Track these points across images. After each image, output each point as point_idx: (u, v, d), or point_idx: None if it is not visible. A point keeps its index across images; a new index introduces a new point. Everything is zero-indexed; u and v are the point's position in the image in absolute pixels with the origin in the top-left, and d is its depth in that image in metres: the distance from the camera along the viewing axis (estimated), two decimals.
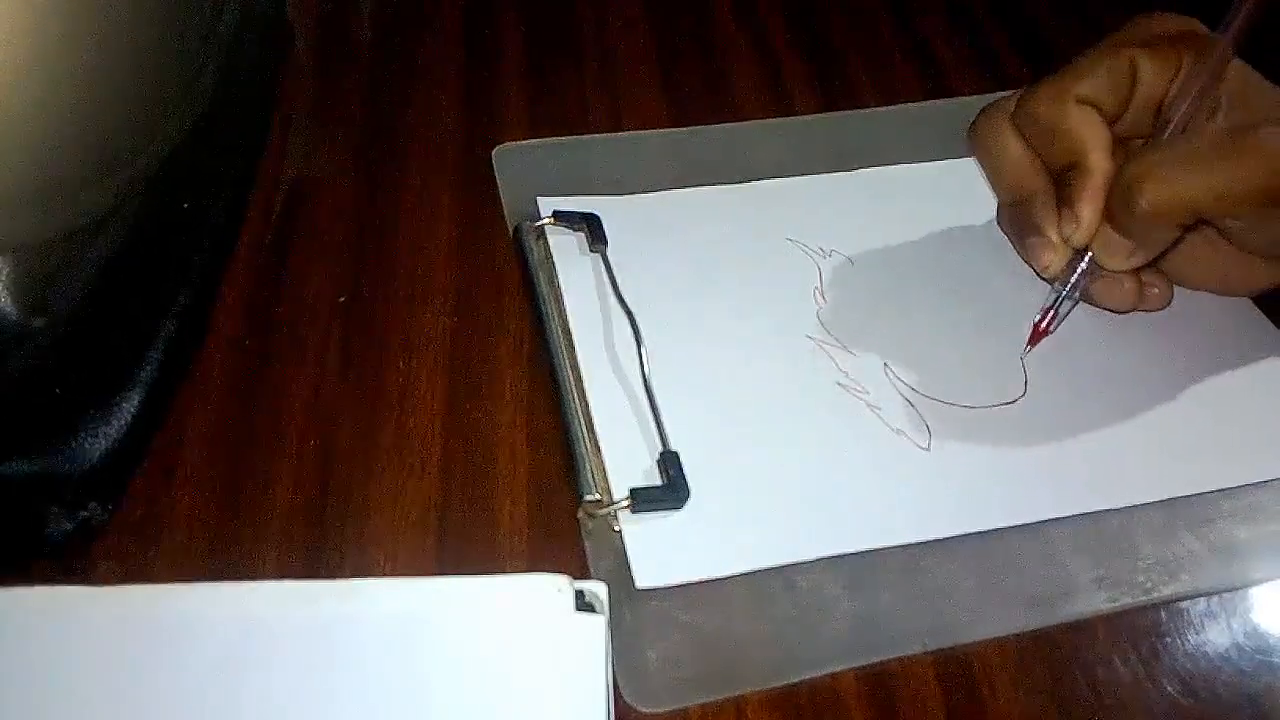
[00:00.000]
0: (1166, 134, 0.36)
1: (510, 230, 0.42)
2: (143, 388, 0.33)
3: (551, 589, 0.27)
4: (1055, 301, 0.37)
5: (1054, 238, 0.36)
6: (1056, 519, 0.33)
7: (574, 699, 0.26)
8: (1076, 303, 0.38)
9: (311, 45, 0.52)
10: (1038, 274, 0.38)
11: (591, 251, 0.40)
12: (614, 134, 0.47)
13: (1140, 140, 0.37)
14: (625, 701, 0.29)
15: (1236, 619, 0.32)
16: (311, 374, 0.36)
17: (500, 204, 0.43)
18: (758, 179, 0.44)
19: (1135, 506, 0.34)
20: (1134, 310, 0.39)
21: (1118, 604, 0.31)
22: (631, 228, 0.41)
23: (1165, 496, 0.34)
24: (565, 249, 0.41)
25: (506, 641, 0.27)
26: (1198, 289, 0.40)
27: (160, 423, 0.34)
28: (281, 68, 0.49)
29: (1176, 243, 0.36)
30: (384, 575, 0.31)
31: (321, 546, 0.32)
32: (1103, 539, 0.33)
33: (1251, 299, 0.40)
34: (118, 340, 0.34)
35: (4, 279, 0.31)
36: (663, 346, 0.37)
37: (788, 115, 0.48)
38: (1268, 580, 0.33)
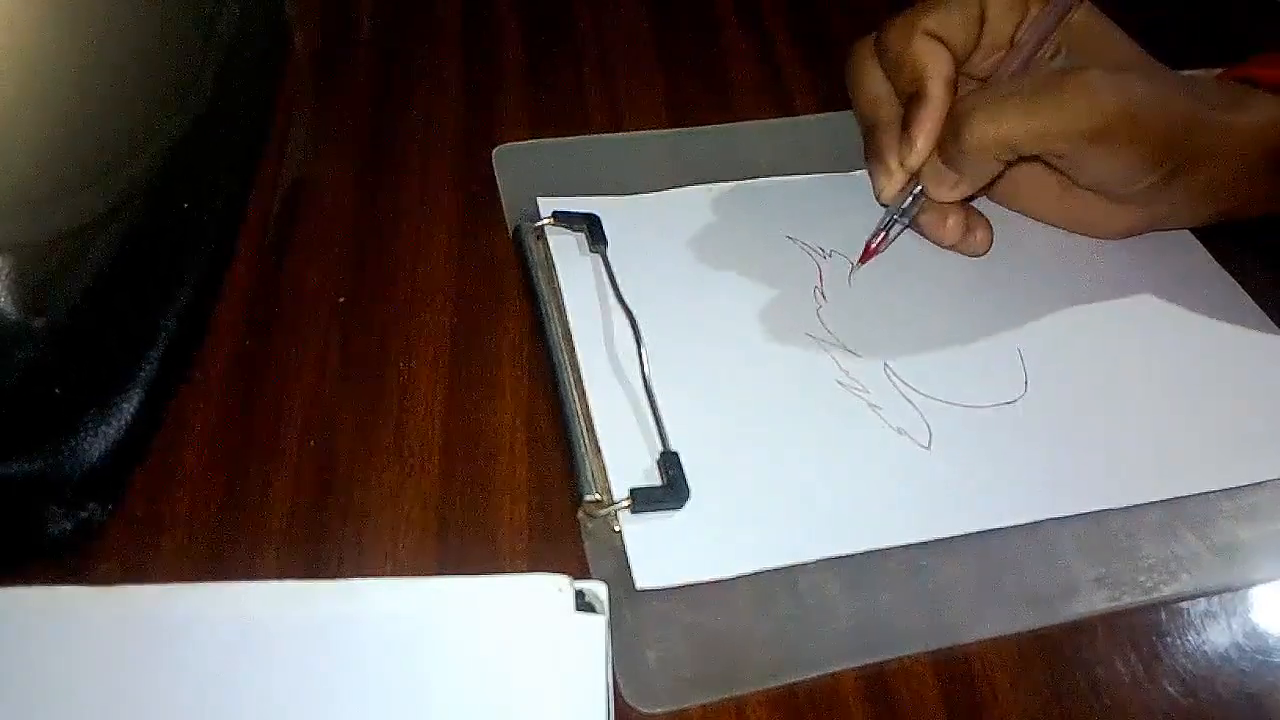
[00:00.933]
0: (1010, 73, 0.38)
1: (510, 230, 0.42)
2: (143, 388, 0.33)
3: (552, 589, 0.27)
4: (886, 223, 0.39)
5: (892, 164, 0.38)
6: (1056, 519, 0.33)
7: (574, 699, 0.26)
8: (905, 227, 0.40)
9: (311, 45, 0.52)
10: (875, 198, 0.40)
11: (591, 252, 0.40)
12: (614, 134, 0.47)
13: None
14: (625, 701, 0.28)
15: (1236, 619, 0.32)
16: (311, 375, 0.36)
17: (500, 204, 0.43)
18: (758, 179, 0.44)
19: (1136, 506, 0.34)
20: (955, 249, 0.41)
21: (1118, 604, 0.31)
22: (631, 228, 0.41)
23: (1166, 496, 0.34)
24: (565, 249, 0.41)
25: (506, 642, 0.27)
26: (1055, 225, 0.43)
27: (160, 423, 0.34)
28: (281, 68, 0.49)
29: (997, 179, 0.38)
30: (384, 575, 0.31)
31: (321, 546, 0.32)
32: (1103, 539, 0.33)
33: (1252, 297, 0.40)
34: (118, 340, 0.34)
35: (4, 279, 0.31)
36: (663, 346, 0.37)
37: (788, 115, 0.48)
38: (1268, 580, 0.33)
